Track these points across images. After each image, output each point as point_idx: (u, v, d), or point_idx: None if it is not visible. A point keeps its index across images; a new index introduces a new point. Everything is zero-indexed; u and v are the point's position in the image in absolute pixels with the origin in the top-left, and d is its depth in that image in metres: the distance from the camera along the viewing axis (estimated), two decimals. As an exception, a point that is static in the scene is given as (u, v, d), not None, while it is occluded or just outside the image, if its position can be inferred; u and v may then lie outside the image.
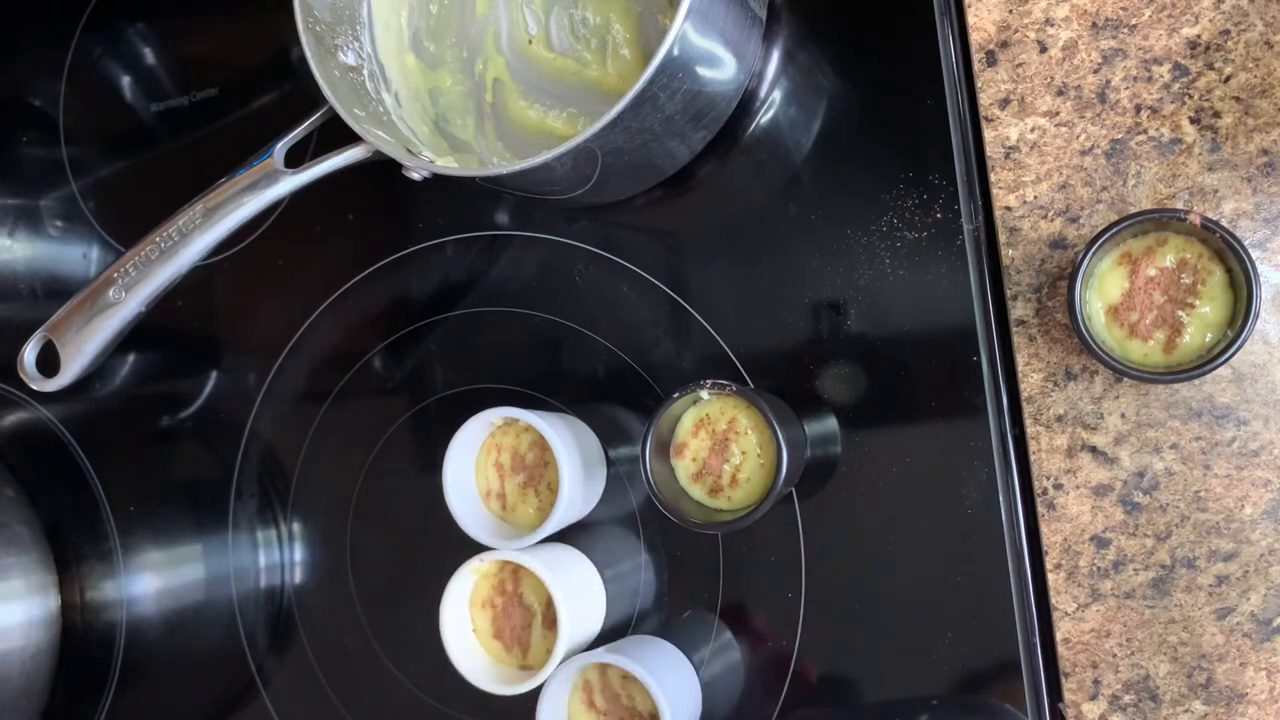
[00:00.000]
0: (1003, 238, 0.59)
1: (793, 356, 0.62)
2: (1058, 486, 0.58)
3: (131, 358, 0.77)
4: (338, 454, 0.71)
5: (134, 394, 0.76)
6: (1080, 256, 0.52)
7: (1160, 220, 0.52)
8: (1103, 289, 0.54)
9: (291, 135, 0.63)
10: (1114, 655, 0.57)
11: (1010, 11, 0.58)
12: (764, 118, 0.63)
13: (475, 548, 0.62)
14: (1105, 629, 0.57)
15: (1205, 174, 0.56)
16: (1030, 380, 0.58)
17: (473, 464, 0.63)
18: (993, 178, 0.59)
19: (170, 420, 0.75)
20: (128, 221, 0.77)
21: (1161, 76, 0.57)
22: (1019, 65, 0.58)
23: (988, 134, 0.59)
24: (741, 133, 0.63)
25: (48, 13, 0.79)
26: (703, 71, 0.56)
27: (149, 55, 0.78)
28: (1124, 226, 0.52)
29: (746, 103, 0.63)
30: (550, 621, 0.62)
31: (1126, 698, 0.57)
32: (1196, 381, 0.56)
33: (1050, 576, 0.58)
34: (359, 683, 0.70)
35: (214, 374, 0.75)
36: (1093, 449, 0.57)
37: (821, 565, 0.61)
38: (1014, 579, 0.57)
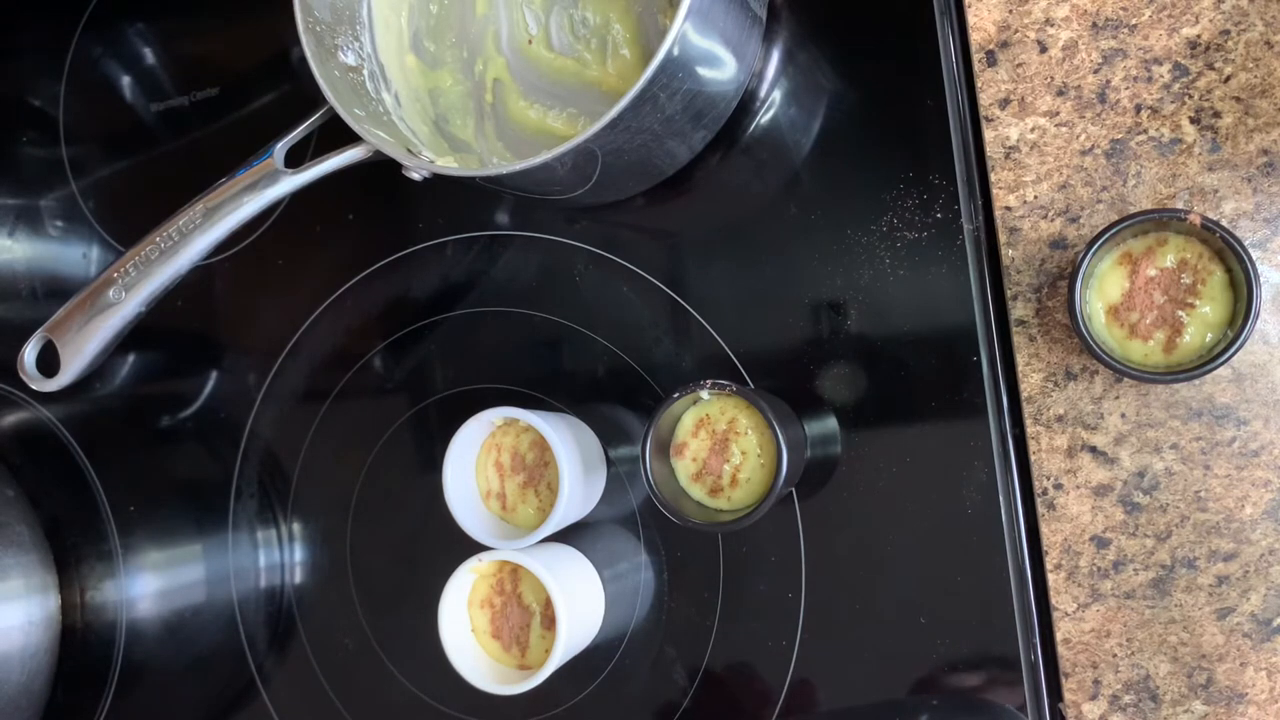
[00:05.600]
0: (1003, 238, 0.59)
1: (793, 356, 0.62)
2: (1058, 486, 0.58)
3: (131, 358, 0.77)
4: (338, 454, 0.71)
5: (134, 394, 0.76)
6: (1080, 256, 0.52)
7: (1160, 220, 0.52)
8: (1103, 289, 0.54)
9: (291, 135, 0.63)
10: (1114, 655, 0.57)
11: (1010, 11, 0.58)
12: (764, 118, 0.63)
13: (475, 547, 0.62)
14: (1105, 629, 0.57)
15: (1205, 174, 0.56)
16: (1030, 380, 0.58)
17: (473, 464, 0.63)
18: (993, 178, 0.59)
19: (170, 420, 0.75)
20: (128, 221, 0.77)
21: (1161, 76, 0.57)
22: (1019, 65, 0.58)
23: (988, 134, 0.59)
24: (741, 133, 0.63)
25: (48, 13, 0.79)
26: (703, 71, 0.56)
27: (149, 55, 0.78)
28: (1124, 226, 0.52)
29: (746, 103, 0.63)
30: (549, 621, 0.62)
31: (1126, 698, 0.57)
32: (1196, 381, 0.56)
33: (1050, 576, 0.58)
34: (359, 683, 0.70)
35: (214, 374, 0.75)
36: (1093, 449, 0.57)
37: (821, 565, 0.61)
38: (1014, 579, 0.57)
